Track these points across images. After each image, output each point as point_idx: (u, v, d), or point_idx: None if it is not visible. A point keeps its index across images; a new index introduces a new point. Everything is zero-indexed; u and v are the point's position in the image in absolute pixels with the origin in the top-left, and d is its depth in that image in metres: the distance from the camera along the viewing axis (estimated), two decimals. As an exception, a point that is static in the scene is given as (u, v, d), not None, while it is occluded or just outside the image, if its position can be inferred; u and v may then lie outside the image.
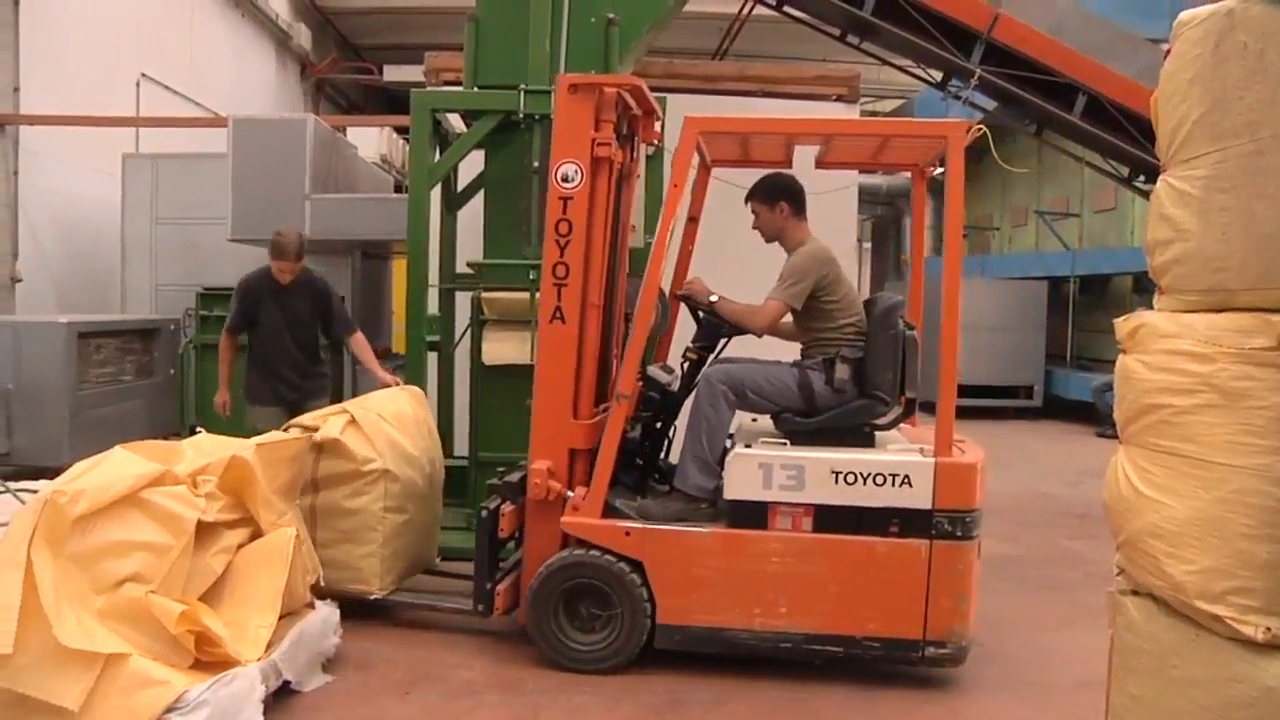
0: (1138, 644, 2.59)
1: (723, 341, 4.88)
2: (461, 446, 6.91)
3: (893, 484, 4.18)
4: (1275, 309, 2.29)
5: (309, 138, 7.37)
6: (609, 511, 4.40)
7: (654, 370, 4.90)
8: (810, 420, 4.50)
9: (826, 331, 4.68)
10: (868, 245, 23.41)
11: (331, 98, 18.43)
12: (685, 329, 5.02)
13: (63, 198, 9.42)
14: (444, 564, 5.52)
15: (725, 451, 4.48)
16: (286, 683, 3.93)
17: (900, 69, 9.53)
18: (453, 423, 7.21)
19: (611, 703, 4.10)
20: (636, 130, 4.90)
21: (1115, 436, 2.77)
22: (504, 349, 6.17)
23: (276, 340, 5.95)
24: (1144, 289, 13.70)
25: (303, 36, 16.06)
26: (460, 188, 7.04)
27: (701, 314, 4.84)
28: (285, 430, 4.88)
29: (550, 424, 4.50)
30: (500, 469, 4.93)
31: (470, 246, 6.68)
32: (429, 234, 6.28)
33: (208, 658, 3.58)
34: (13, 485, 4.49)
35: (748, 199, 4.85)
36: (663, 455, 5.00)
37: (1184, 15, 2.54)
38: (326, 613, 4.39)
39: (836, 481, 4.22)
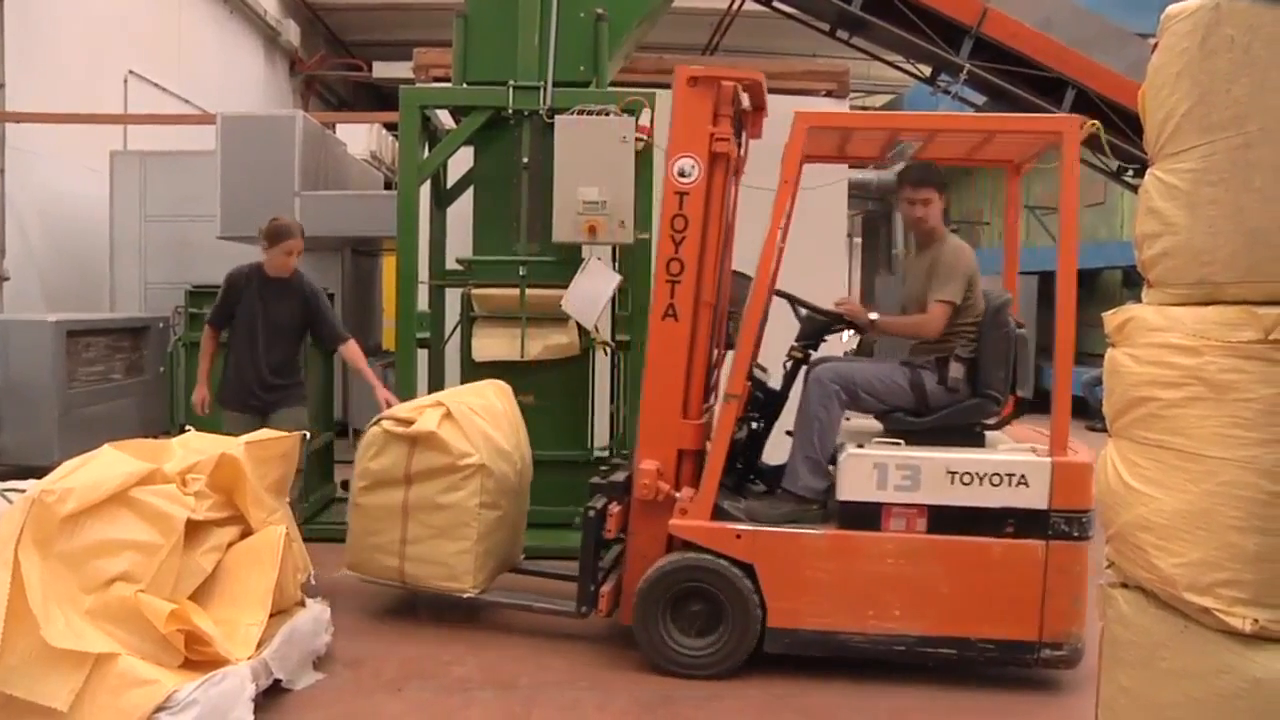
0: (1127, 636, 2.60)
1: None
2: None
3: (1009, 484, 4.13)
4: (1262, 302, 2.29)
5: (298, 134, 7.33)
6: (717, 514, 4.29)
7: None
8: (923, 420, 4.44)
9: (948, 329, 4.58)
10: (858, 240, 23.43)
11: (321, 94, 18.35)
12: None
13: (50, 195, 9.36)
14: (527, 562, 5.40)
15: (835, 452, 4.40)
16: (277, 681, 3.92)
17: (890, 64, 9.52)
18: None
19: (605, 699, 4.10)
20: (745, 125, 4.79)
21: (1105, 430, 2.78)
22: (494, 345, 6.16)
23: (249, 340, 5.45)
24: (1133, 283, 13.73)
25: (291, 33, 15.98)
26: (450, 184, 7.04)
27: (797, 312, 4.76)
28: (376, 424, 4.81)
29: (659, 423, 4.41)
30: (603, 468, 4.88)
31: (460, 243, 6.67)
32: (418, 231, 6.27)
33: (198, 657, 3.57)
34: (1, 485, 4.47)
35: (917, 184, 4.70)
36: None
37: (1171, 9, 2.54)
38: (318, 610, 4.38)
39: (952, 482, 4.17)
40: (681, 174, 4.37)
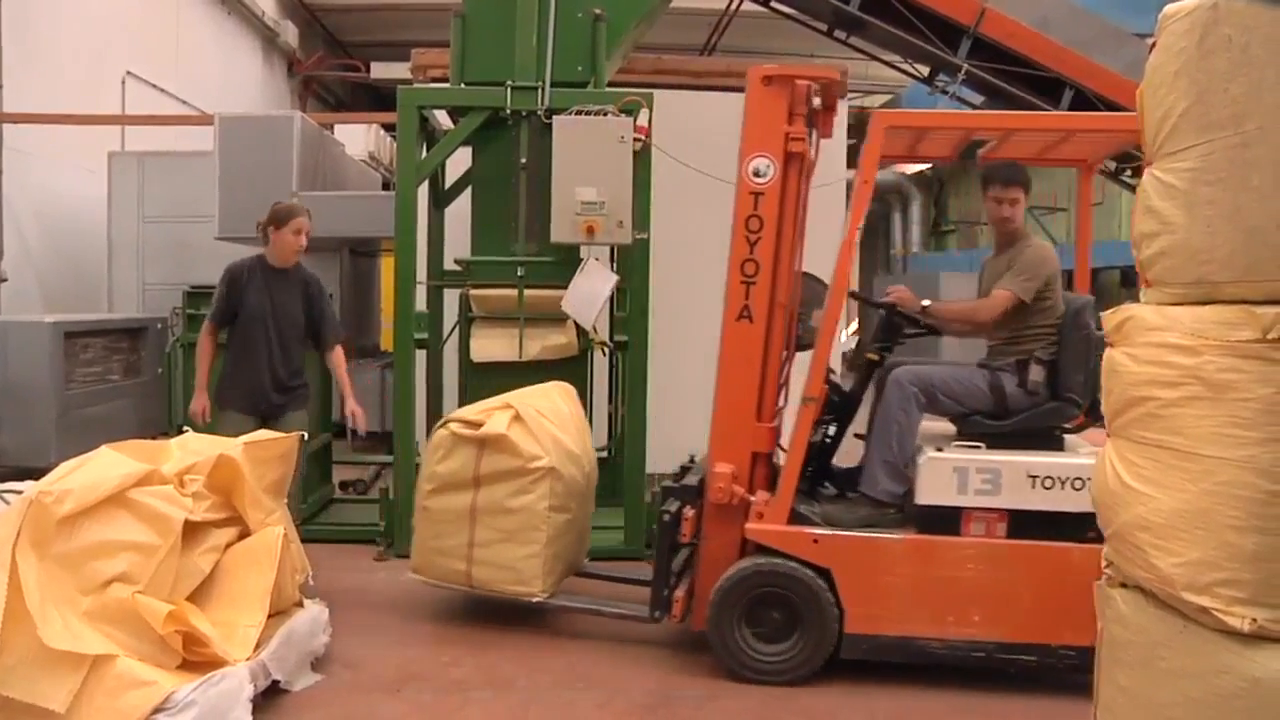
0: (1126, 636, 2.60)
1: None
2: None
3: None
4: (1261, 301, 2.29)
5: (296, 135, 7.33)
6: (794, 518, 4.25)
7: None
8: (1002, 423, 4.39)
9: (1027, 331, 4.55)
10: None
11: (319, 95, 18.35)
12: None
13: (48, 196, 9.35)
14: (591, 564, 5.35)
15: (914, 455, 4.36)
16: (276, 682, 3.92)
17: (887, 64, 9.53)
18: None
19: (604, 699, 4.10)
20: (816, 124, 4.73)
21: (1102, 429, 2.77)
22: (492, 346, 6.16)
23: (260, 337, 5.19)
24: (1131, 282, 13.73)
25: (289, 34, 15.98)
26: (448, 185, 7.04)
27: (874, 314, 4.72)
28: (443, 427, 4.76)
29: (733, 426, 4.38)
30: (685, 468, 4.83)
31: (458, 243, 6.67)
32: (417, 231, 6.27)
33: (196, 658, 3.56)
34: (-2, 486, 4.47)
35: (1006, 183, 4.63)
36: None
37: (1169, 8, 2.54)
38: (316, 611, 4.38)
39: (1033, 486, 4.13)
40: (756, 174, 4.32)
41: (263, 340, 5.20)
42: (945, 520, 4.21)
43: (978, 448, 4.30)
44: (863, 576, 4.19)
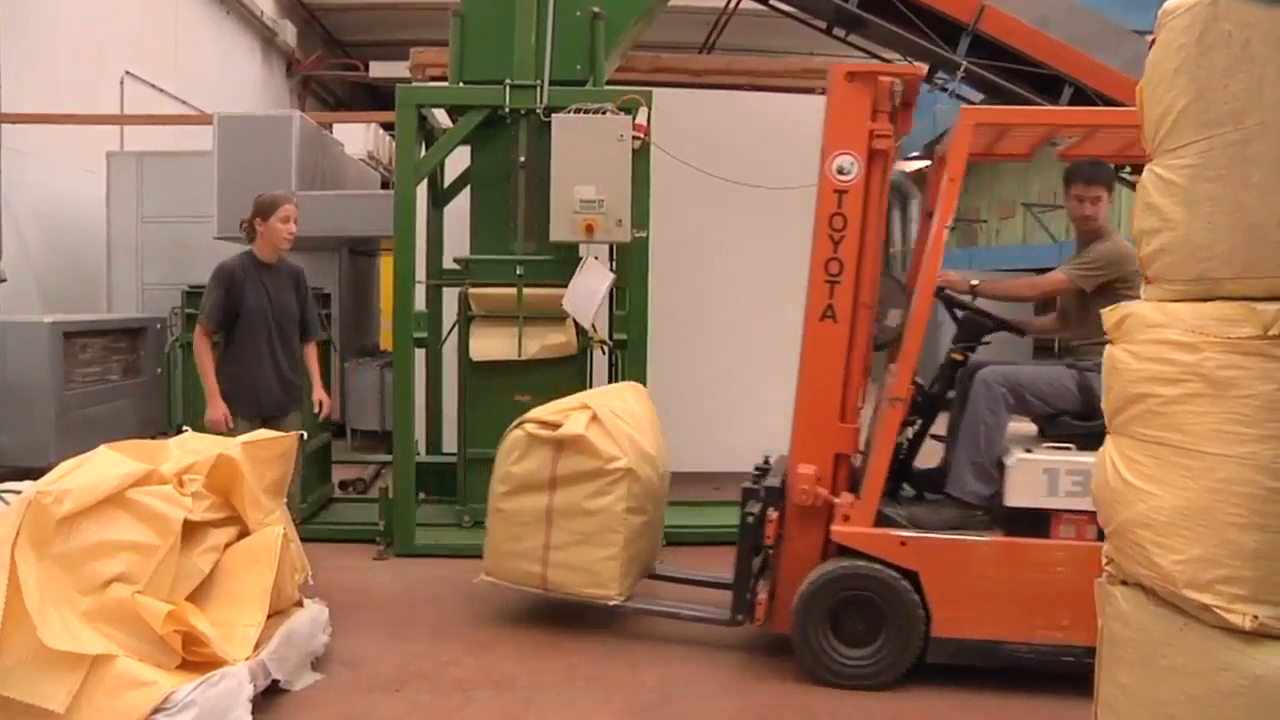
0: (1126, 634, 2.59)
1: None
2: (450, 443, 6.91)
3: None
4: (1261, 298, 2.29)
5: (295, 134, 7.33)
6: (880, 520, 4.20)
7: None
8: (1091, 424, 4.26)
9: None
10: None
11: (318, 94, 18.34)
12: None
13: (47, 196, 9.35)
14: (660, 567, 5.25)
15: (1001, 457, 4.30)
16: (275, 681, 3.91)
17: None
18: (441, 419, 7.20)
19: (603, 699, 4.10)
20: (895, 120, 4.66)
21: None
22: (492, 345, 6.16)
23: (263, 335, 5.06)
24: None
25: (288, 33, 15.98)
26: (447, 184, 7.04)
27: (959, 313, 4.67)
28: (518, 428, 4.71)
29: (816, 427, 4.32)
30: (756, 471, 4.69)
31: (457, 242, 6.67)
32: (416, 230, 6.26)
33: (195, 658, 3.56)
34: (-3, 486, 4.46)
35: (1089, 181, 4.58)
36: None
37: (1169, 5, 2.53)
38: (315, 611, 4.37)
39: None
40: (840, 171, 4.27)
41: (265, 339, 5.09)
42: (1034, 522, 4.15)
43: (1067, 449, 4.23)
44: (950, 579, 4.13)
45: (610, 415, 4.71)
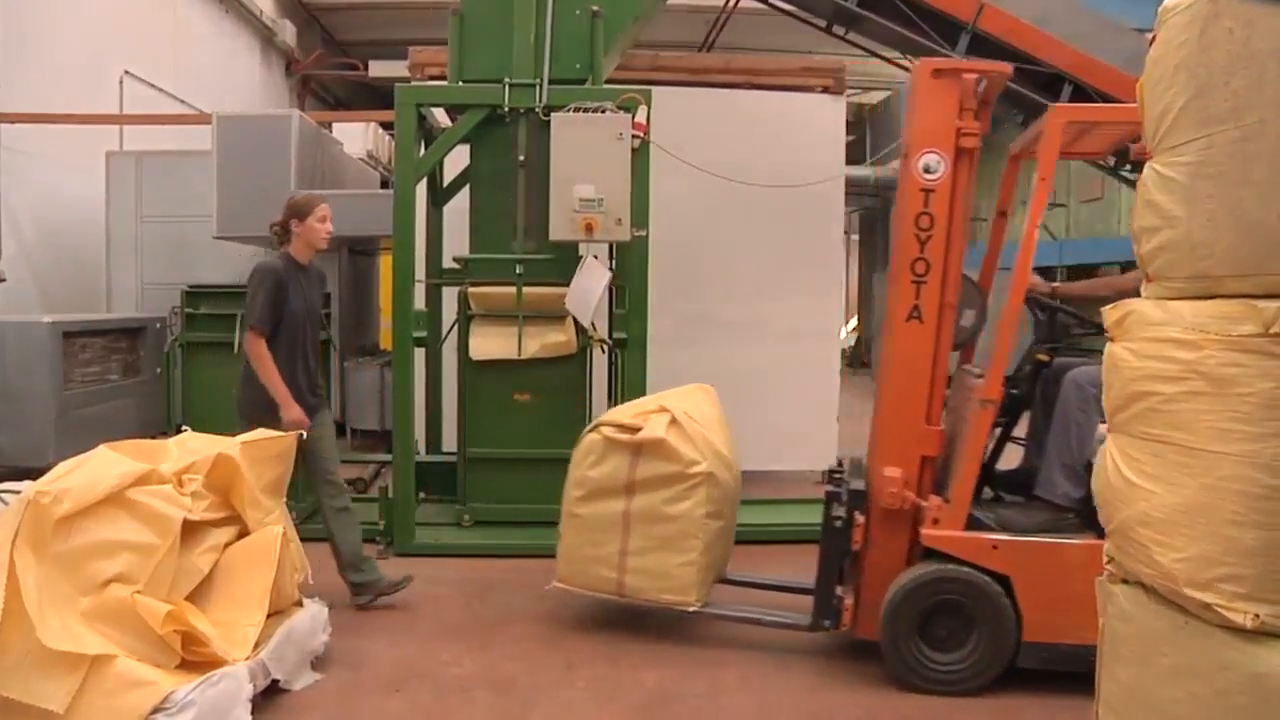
0: (1127, 632, 2.59)
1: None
2: (450, 442, 6.91)
3: None
4: (1262, 295, 2.28)
5: (294, 134, 7.32)
6: (970, 523, 4.13)
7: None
8: None
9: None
10: (855, 237, 23.42)
11: (317, 94, 18.33)
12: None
13: (46, 196, 9.34)
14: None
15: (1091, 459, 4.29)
16: (275, 681, 3.91)
17: (886, 60, 9.50)
18: (441, 419, 7.20)
19: (605, 699, 4.09)
20: (978, 118, 4.54)
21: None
22: (491, 344, 6.15)
23: (299, 339, 4.95)
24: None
25: (287, 33, 15.97)
26: (446, 183, 7.03)
27: (1039, 313, 4.61)
28: (594, 431, 4.65)
29: (903, 430, 4.26)
30: (836, 473, 4.63)
31: (457, 242, 6.67)
32: (415, 229, 6.26)
33: (195, 657, 3.56)
34: (-3, 486, 4.46)
35: None
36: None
37: (1169, 2, 2.53)
38: (315, 610, 4.37)
39: None
40: (927, 170, 4.19)
41: (299, 342, 4.98)
42: None
43: None
44: (1043, 583, 4.05)
45: (687, 418, 4.64)
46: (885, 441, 4.29)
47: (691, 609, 4.57)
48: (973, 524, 4.17)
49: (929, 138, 4.20)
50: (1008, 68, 4.36)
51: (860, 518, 4.24)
